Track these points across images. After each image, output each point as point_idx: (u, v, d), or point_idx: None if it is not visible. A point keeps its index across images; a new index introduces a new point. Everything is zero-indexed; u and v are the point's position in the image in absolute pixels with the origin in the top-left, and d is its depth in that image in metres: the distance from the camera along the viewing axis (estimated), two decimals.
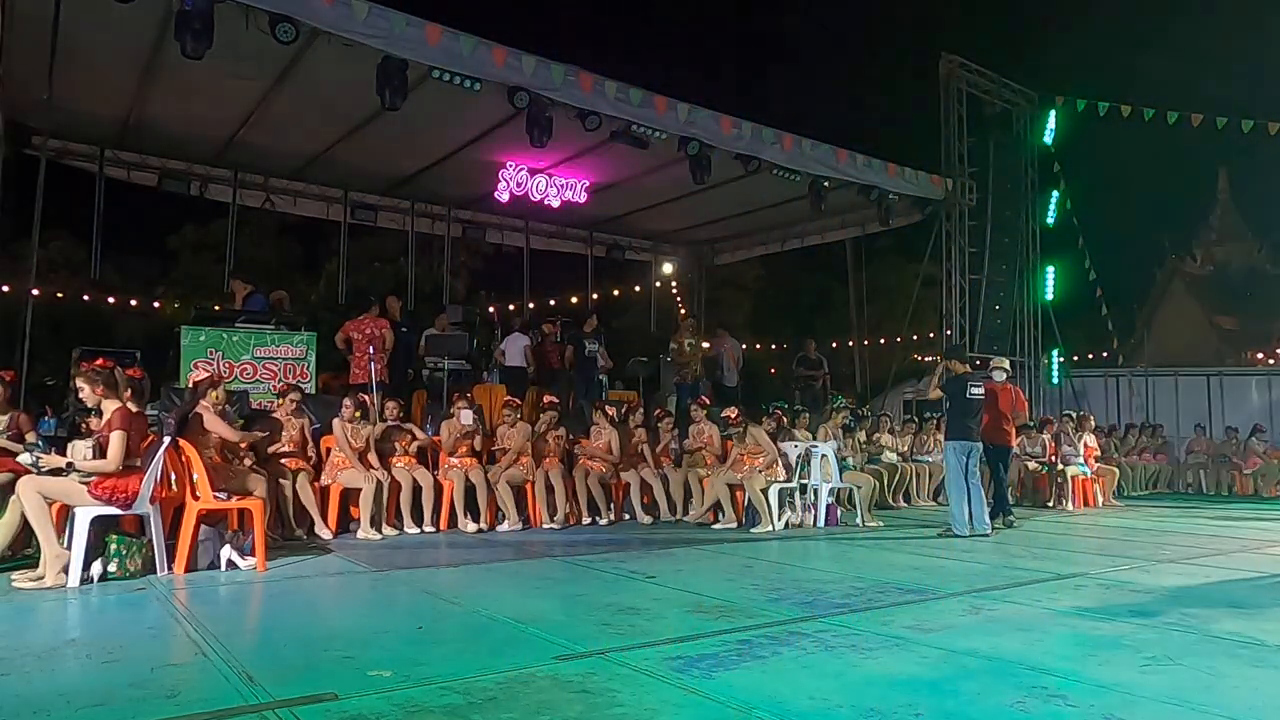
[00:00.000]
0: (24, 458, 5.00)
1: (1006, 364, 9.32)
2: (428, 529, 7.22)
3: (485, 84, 8.14)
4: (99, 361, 5.06)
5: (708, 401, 9.54)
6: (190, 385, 6.41)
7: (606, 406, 8.92)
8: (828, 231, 14.61)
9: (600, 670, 3.13)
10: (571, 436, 8.62)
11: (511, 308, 15.65)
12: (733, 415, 8.36)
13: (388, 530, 6.94)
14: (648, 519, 8.38)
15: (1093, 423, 12.25)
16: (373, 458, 7.14)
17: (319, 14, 7.07)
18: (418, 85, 7.99)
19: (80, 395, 4.91)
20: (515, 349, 10.87)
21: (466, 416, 7.68)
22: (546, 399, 8.71)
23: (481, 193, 11.95)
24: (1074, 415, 11.89)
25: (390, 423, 7.47)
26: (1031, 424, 11.22)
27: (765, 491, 7.77)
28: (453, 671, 3.07)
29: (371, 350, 9.09)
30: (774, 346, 27.11)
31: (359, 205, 12.56)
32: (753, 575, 5.29)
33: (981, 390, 7.88)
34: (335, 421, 7.08)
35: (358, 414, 7.16)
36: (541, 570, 5.54)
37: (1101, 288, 15.88)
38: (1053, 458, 11.10)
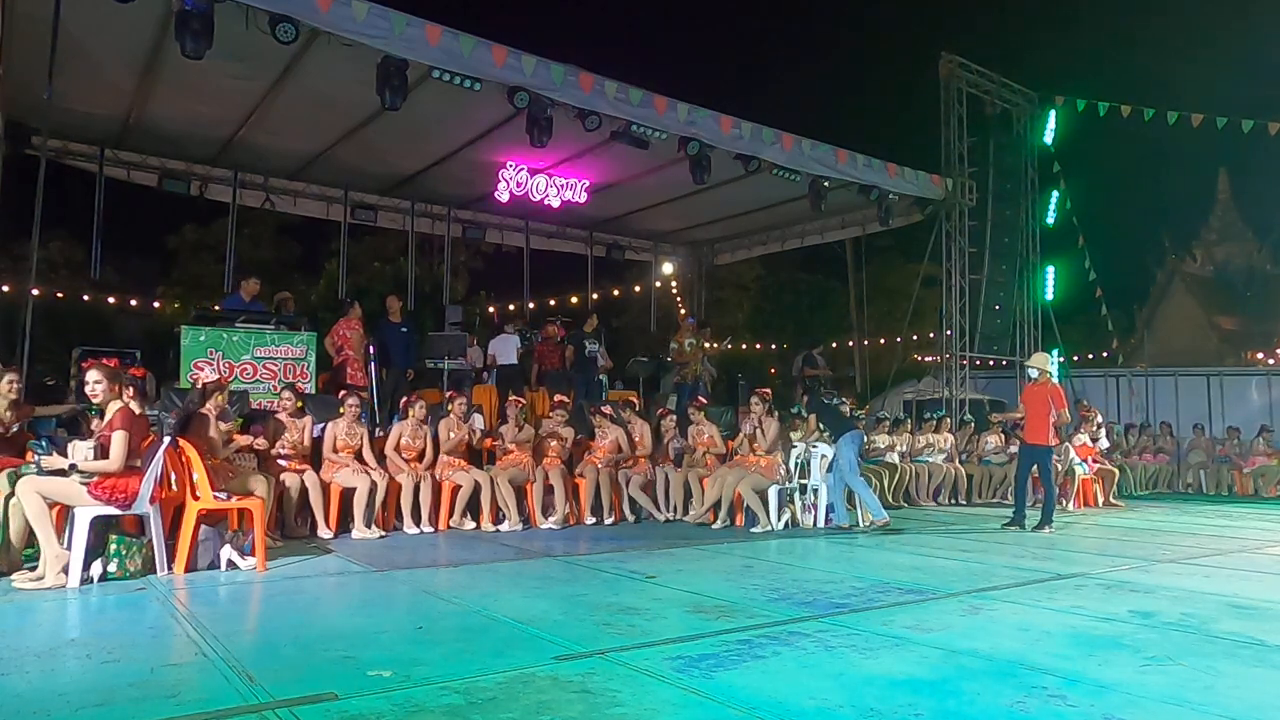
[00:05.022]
0: (27, 470, 5.01)
1: (1044, 360, 8.76)
2: (426, 529, 7.21)
3: (485, 84, 8.14)
4: (112, 361, 5.04)
5: (705, 402, 9.54)
6: (200, 386, 6.40)
7: (604, 408, 8.93)
8: (828, 231, 14.63)
9: (600, 670, 3.13)
10: (579, 436, 8.63)
11: (511, 308, 15.67)
12: (767, 394, 8.35)
13: (381, 530, 6.92)
14: (661, 518, 8.41)
15: (1097, 419, 12.16)
16: (369, 457, 7.14)
17: (319, 14, 7.07)
18: (418, 85, 7.99)
19: (94, 389, 4.87)
20: (507, 349, 10.87)
21: (477, 420, 7.88)
22: (558, 398, 8.72)
23: (481, 193, 11.95)
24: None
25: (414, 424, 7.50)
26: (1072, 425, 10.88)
27: (764, 492, 7.78)
28: (453, 671, 3.07)
29: (350, 353, 9.19)
30: (774, 346, 27.12)
31: (359, 205, 12.57)
32: (753, 575, 5.29)
33: (833, 398, 7.89)
34: (332, 423, 7.10)
35: (359, 415, 7.19)
36: (541, 570, 5.54)
37: (1101, 288, 15.91)
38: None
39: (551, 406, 8.53)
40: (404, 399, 7.86)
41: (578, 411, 9.77)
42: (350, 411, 7.14)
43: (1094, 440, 11.45)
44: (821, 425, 8.43)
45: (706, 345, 12.57)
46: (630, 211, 13.54)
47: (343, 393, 7.61)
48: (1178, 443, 15.11)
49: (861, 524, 7.87)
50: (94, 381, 4.86)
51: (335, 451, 7.07)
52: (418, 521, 7.19)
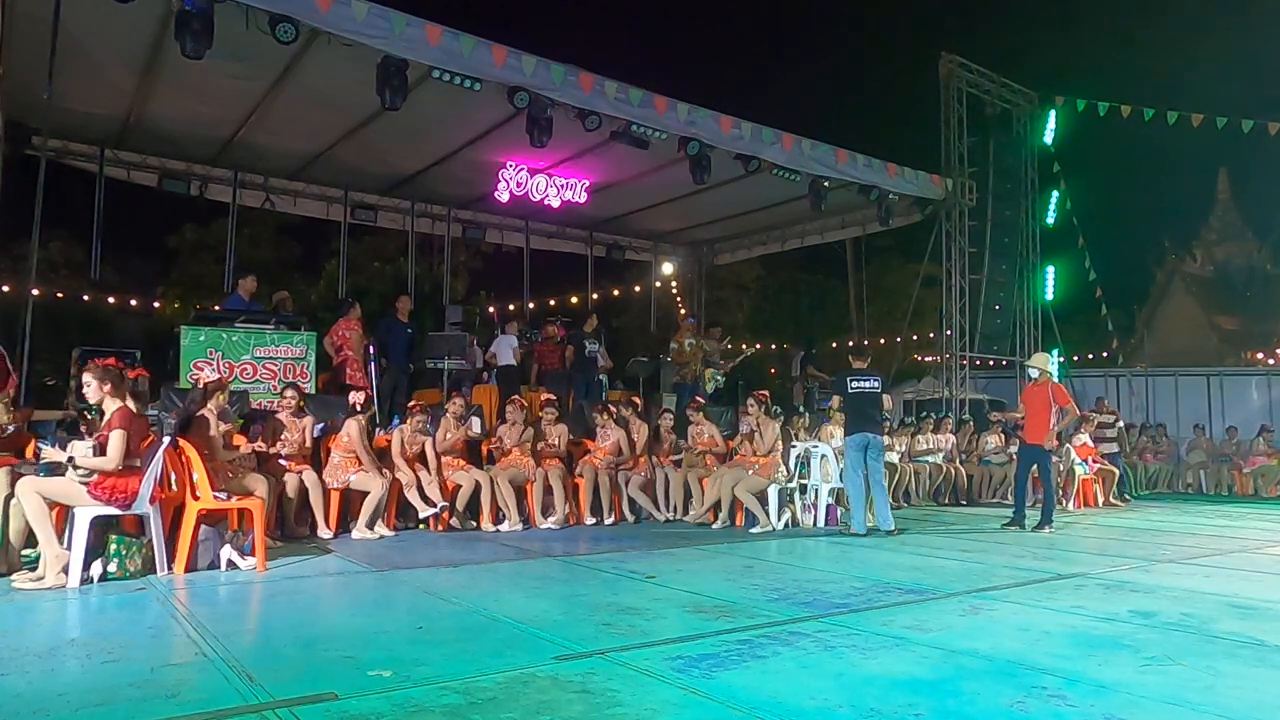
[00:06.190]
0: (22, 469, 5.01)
1: (1044, 360, 8.79)
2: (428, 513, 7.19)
3: (485, 84, 8.13)
4: (110, 361, 5.04)
5: (702, 401, 9.54)
6: (201, 386, 6.40)
7: (610, 406, 8.91)
8: (828, 231, 14.63)
9: (600, 670, 3.13)
10: (573, 437, 8.62)
11: (511, 308, 15.66)
12: (764, 396, 8.30)
13: (383, 529, 6.92)
14: (661, 518, 8.41)
15: (1095, 422, 12.15)
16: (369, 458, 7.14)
17: (319, 14, 7.07)
18: (418, 85, 7.98)
19: (85, 390, 4.89)
20: (505, 349, 10.89)
21: (475, 425, 7.94)
22: (544, 397, 8.71)
23: (481, 193, 11.95)
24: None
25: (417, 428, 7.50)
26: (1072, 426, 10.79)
27: (763, 492, 7.77)
28: (453, 671, 3.07)
29: (349, 353, 9.18)
30: (774, 346, 27.10)
31: (359, 205, 12.57)
32: (753, 575, 5.29)
33: (863, 384, 7.84)
34: (351, 420, 7.05)
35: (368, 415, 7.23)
36: (541, 570, 5.54)
37: (1101, 288, 15.92)
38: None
39: (541, 406, 8.51)
40: (410, 404, 7.84)
41: (576, 411, 9.77)
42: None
43: (1103, 437, 11.40)
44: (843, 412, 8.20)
45: (720, 346, 12.55)
46: (630, 211, 13.54)
47: (353, 395, 7.51)
48: (1175, 443, 15.11)
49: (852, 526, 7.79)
50: (88, 382, 4.88)
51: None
52: (430, 505, 7.19)
